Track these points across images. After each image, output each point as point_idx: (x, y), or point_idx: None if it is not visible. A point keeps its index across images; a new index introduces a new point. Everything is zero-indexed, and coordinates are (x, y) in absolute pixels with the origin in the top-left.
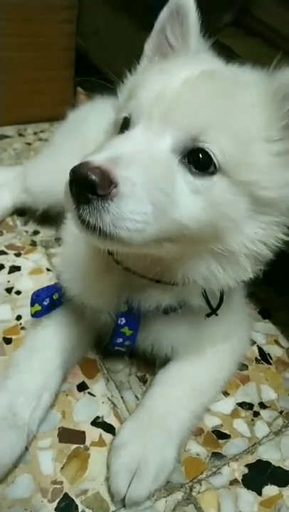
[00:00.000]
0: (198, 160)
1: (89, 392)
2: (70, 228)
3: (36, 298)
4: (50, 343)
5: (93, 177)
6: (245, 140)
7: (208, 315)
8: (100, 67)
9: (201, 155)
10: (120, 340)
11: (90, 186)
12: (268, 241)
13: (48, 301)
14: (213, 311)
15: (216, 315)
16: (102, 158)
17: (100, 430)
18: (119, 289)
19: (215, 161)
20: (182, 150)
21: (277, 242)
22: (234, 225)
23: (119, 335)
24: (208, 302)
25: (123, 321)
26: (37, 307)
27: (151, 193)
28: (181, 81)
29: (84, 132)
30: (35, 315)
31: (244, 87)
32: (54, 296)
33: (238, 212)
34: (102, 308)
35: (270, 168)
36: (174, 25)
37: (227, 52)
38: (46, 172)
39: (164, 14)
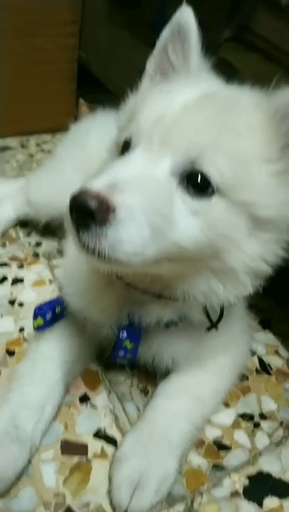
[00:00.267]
0: (196, 182)
1: (91, 404)
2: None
3: (39, 312)
4: (51, 356)
5: (91, 204)
6: (243, 162)
7: (209, 329)
8: (101, 79)
9: (199, 177)
10: (122, 353)
11: (88, 213)
12: (267, 258)
13: (51, 314)
14: (213, 325)
15: (216, 329)
16: (100, 184)
17: (102, 442)
18: (120, 304)
19: (213, 183)
20: (181, 173)
21: (277, 258)
22: (233, 244)
23: (121, 348)
24: (208, 317)
25: (124, 334)
26: (39, 321)
27: (150, 217)
28: (181, 104)
29: (86, 146)
30: (38, 328)
31: (242, 109)
32: (56, 310)
33: (237, 231)
34: (104, 323)
35: (269, 187)
36: (176, 44)
37: (227, 67)
38: (49, 185)
39: (165, 33)
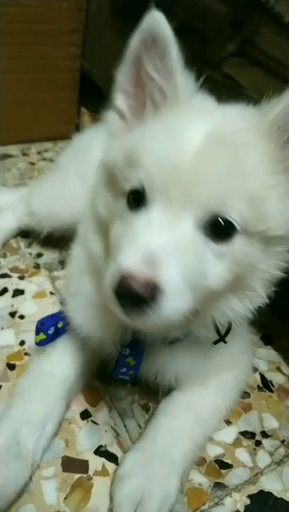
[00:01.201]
0: (220, 228)
1: (92, 421)
2: (76, 261)
3: (41, 327)
4: (53, 372)
5: (140, 291)
6: (258, 198)
7: (216, 342)
8: (104, 89)
9: (223, 223)
10: (124, 369)
11: (137, 298)
12: (280, 265)
13: (53, 329)
14: (221, 338)
15: (225, 342)
16: (139, 262)
17: (103, 459)
18: (124, 323)
19: (236, 225)
20: (204, 223)
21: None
22: (253, 267)
23: (123, 365)
24: (217, 330)
25: (127, 351)
26: (42, 336)
27: (189, 279)
28: (191, 151)
29: (89, 158)
30: (40, 343)
31: (249, 144)
32: (59, 325)
33: (255, 257)
34: (107, 341)
35: (280, 210)
36: (153, 57)
37: (231, 82)
38: (51, 196)
39: (135, 42)
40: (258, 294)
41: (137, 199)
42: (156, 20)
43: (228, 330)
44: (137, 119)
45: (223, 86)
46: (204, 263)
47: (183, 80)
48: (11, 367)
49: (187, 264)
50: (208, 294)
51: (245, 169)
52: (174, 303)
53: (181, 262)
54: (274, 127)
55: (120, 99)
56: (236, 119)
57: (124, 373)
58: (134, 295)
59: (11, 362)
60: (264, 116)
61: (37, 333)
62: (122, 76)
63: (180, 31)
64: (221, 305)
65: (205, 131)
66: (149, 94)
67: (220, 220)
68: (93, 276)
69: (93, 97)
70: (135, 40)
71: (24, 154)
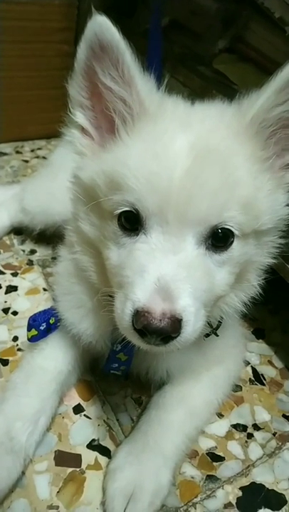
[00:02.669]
0: (219, 238)
1: (85, 415)
2: (64, 263)
3: (33, 323)
4: (46, 367)
5: (166, 329)
6: (251, 201)
7: (207, 335)
8: None
9: (221, 234)
10: (115, 365)
11: (161, 334)
12: (271, 253)
13: (45, 325)
14: (213, 331)
15: (217, 335)
16: (155, 297)
17: (96, 453)
18: (115, 322)
19: (235, 232)
20: (205, 238)
21: (277, 248)
22: (249, 261)
23: (115, 360)
24: (209, 324)
25: (118, 347)
26: (34, 332)
27: (201, 298)
28: (181, 170)
29: None
30: (32, 339)
31: (233, 151)
32: (50, 321)
33: (251, 253)
34: (97, 338)
35: (270, 205)
36: (106, 66)
37: (221, 78)
38: (44, 193)
39: (82, 52)
40: (252, 285)
41: (130, 221)
42: (101, 26)
43: (220, 323)
44: (104, 135)
45: (213, 82)
46: (211, 276)
47: (144, 87)
48: (4, 362)
49: (198, 284)
50: (215, 300)
51: (235, 178)
52: (194, 326)
53: (192, 285)
54: (255, 125)
55: (79, 115)
56: (217, 124)
57: (115, 368)
58: (158, 332)
59: (4, 357)
60: (244, 114)
61: (28, 329)
62: (75, 90)
63: (171, 28)
64: (220, 301)
65: (189, 146)
66: (112, 106)
67: (219, 231)
68: (82, 279)
69: None
70: (82, 50)
71: (18, 152)
